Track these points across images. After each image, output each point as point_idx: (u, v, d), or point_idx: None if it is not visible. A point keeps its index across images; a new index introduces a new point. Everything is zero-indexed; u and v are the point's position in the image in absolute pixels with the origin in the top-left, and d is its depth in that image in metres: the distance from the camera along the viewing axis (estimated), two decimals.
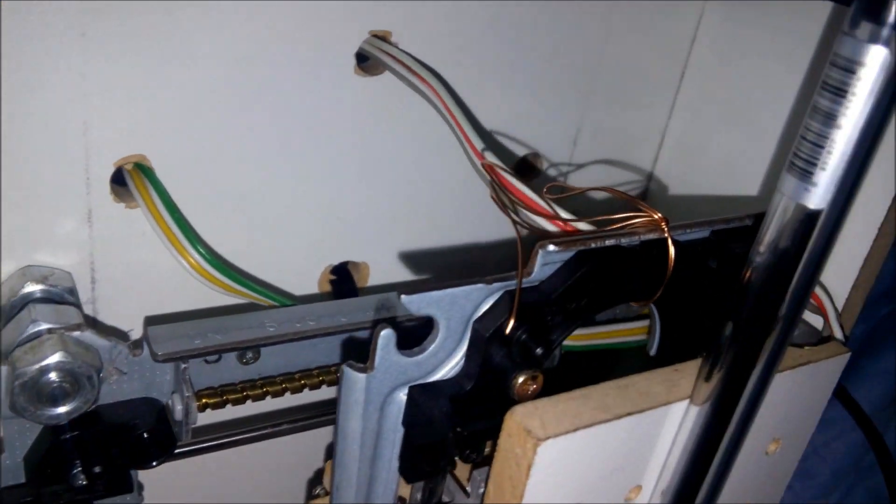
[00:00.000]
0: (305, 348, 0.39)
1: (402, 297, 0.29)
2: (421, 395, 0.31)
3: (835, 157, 0.26)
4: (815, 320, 0.41)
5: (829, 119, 0.25)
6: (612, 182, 0.52)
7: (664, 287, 0.35)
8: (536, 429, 0.29)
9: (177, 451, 0.37)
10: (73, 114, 0.34)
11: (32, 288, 0.36)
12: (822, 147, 0.26)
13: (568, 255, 0.32)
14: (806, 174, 0.26)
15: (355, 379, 0.30)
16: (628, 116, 0.51)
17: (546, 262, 0.32)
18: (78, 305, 0.37)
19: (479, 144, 0.37)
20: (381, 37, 0.40)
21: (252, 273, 0.43)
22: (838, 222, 0.27)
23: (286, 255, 0.43)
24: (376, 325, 0.32)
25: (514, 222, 0.34)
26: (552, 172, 0.50)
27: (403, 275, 0.48)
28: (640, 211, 0.35)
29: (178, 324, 0.37)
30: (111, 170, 0.37)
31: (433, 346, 0.31)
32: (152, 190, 0.37)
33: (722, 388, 0.32)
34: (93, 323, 0.39)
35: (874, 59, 0.24)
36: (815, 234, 0.27)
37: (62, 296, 0.36)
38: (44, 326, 0.34)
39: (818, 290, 0.41)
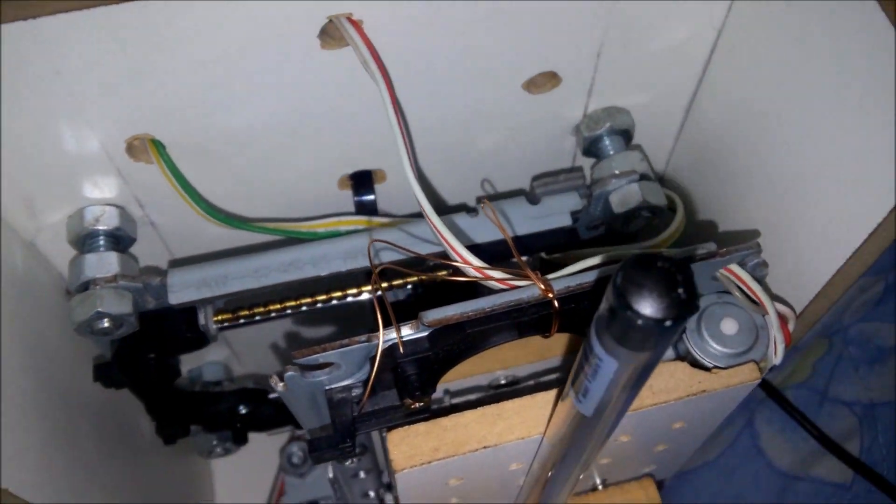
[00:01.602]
0: None
1: (294, 360, 0.37)
2: (333, 395, 0.40)
3: (589, 395, 0.28)
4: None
5: (583, 373, 0.27)
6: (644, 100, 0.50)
7: (557, 326, 0.39)
8: (398, 459, 0.38)
9: None
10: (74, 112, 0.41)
11: (89, 228, 0.46)
12: (582, 383, 0.28)
13: None
14: (578, 392, 0.29)
15: (279, 389, 0.39)
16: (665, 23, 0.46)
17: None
18: (129, 236, 0.47)
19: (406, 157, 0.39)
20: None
21: (274, 197, 0.50)
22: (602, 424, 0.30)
23: (302, 177, 0.50)
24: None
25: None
26: (570, 89, 0.48)
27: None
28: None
29: (195, 268, 0.46)
30: (123, 145, 0.44)
31: (337, 372, 0.39)
32: (161, 159, 0.44)
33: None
34: (135, 261, 0.49)
35: (608, 363, 0.25)
36: (586, 429, 0.30)
37: (113, 233, 0.47)
38: (89, 277, 0.45)
39: (767, 303, 0.41)
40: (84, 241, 0.47)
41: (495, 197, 0.51)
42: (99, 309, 0.44)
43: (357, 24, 0.40)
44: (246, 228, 0.47)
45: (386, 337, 0.36)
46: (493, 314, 0.37)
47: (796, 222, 0.44)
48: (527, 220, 0.48)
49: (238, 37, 0.39)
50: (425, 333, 0.37)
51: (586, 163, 0.54)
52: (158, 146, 0.44)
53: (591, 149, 0.51)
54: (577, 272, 0.39)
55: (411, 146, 0.49)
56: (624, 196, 0.48)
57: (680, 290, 0.22)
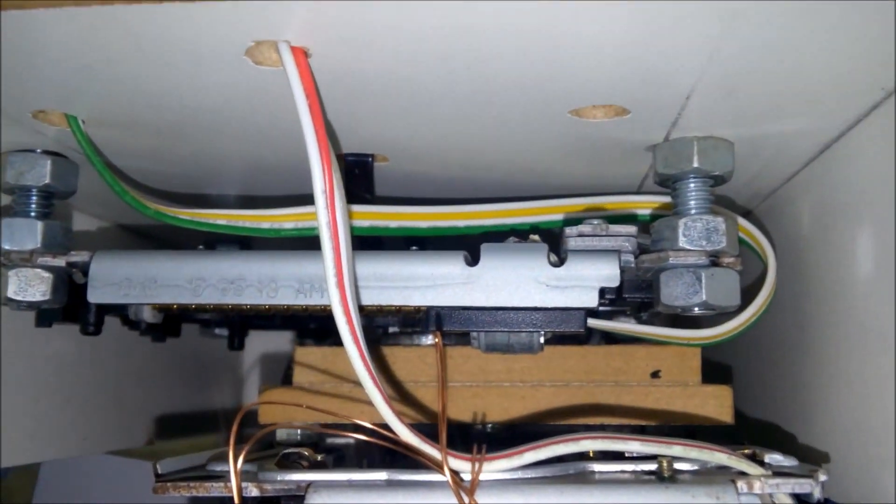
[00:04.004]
0: None
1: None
2: None
3: None
4: None
5: None
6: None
7: None
8: None
9: None
10: None
11: (11, 183, 0.38)
12: None
13: None
14: None
15: None
16: None
17: None
18: (66, 190, 0.39)
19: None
20: None
21: (235, 175, 0.39)
22: None
23: (272, 153, 0.38)
24: None
25: None
26: (643, 122, 0.33)
27: None
28: None
29: (122, 260, 0.38)
30: (29, 115, 0.34)
31: None
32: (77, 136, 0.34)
33: None
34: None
35: None
36: None
37: (43, 190, 0.38)
38: (5, 248, 0.38)
39: None
40: (14, 193, 0.39)
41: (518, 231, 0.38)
42: (8, 295, 0.37)
43: (300, 53, 0.27)
44: (185, 225, 0.38)
45: None
46: None
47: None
48: (537, 288, 0.36)
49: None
50: None
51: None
52: (72, 121, 0.34)
53: (666, 185, 0.37)
54: (527, 465, 0.28)
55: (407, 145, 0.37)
56: (679, 287, 0.34)
57: None
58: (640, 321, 0.46)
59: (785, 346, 0.42)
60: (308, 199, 0.38)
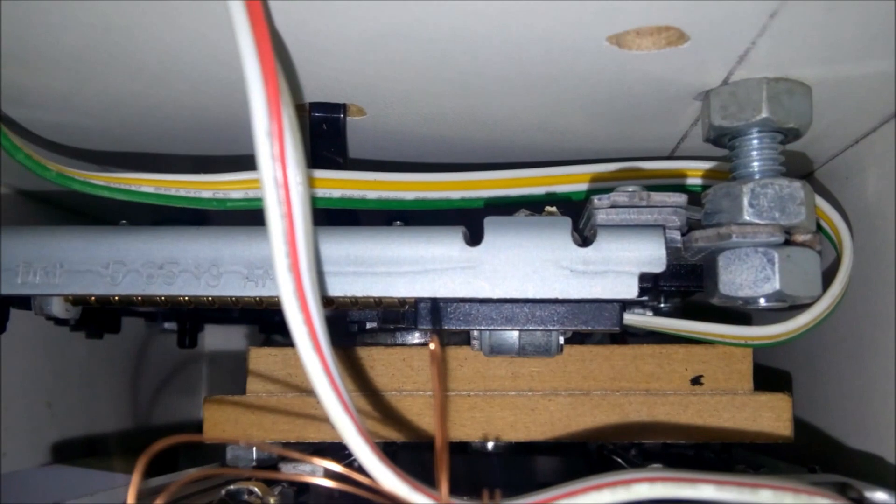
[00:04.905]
0: None
1: None
2: None
3: None
4: None
5: None
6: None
7: None
8: None
9: None
10: None
11: None
12: None
13: None
14: None
15: None
16: None
17: None
18: None
19: None
20: None
21: (169, 129, 0.30)
22: None
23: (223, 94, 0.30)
24: None
25: None
26: (702, 52, 0.25)
27: None
28: None
29: (26, 240, 0.29)
30: None
31: None
32: None
33: None
34: None
35: None
36: None
37: None
38: None
39: None
40: None
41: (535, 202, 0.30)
42: None
43: None
44: (98, 192, 0.29)
45: None
46: None
47: None
48: (558, 275, 0.27)
49: None
50: None
51: (703, 149, 0.31)
52: None
53: (721, 143, 0.29)
54: None
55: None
56: (745, 272, 0.27)
57: None
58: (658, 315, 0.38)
59: (851, 347, 0.34)
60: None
